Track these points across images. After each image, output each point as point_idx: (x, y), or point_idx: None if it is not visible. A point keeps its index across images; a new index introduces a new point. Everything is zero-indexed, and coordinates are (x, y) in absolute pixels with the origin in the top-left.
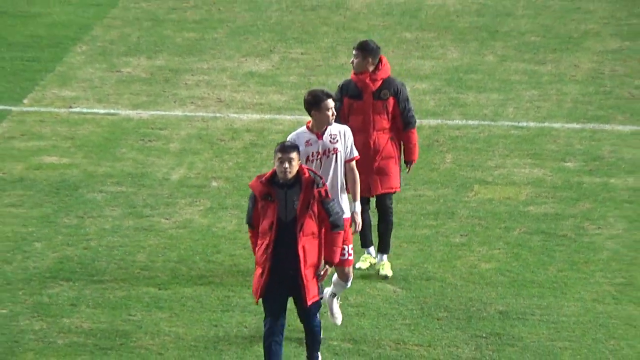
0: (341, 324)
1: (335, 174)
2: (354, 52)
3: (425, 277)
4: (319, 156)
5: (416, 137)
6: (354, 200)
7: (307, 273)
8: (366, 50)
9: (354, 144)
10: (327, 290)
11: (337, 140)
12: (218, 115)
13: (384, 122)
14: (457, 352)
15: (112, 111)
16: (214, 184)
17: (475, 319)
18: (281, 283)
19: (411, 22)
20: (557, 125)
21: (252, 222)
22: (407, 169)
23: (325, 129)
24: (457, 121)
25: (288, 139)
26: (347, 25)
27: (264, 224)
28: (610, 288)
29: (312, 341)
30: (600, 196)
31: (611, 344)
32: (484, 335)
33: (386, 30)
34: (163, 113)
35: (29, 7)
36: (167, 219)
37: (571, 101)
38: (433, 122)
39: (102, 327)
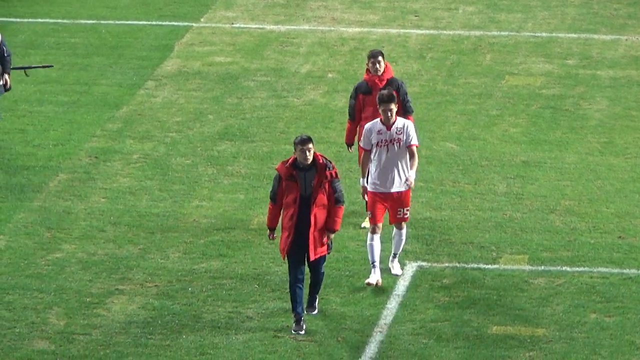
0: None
1: (398, 156)
2: (371, 59)
3: (472, 138)
4: (386, 143)
5: (412, 121)
6: (411, 169)
7: (316, 234)
8: (382, 55)
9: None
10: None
11: (401, 133)
12: (332, 28)
13: None
14: (494, 188)
15: (260, 26)
16: (330, 75)
17: (507, 166)
18: (300, 242)
19: None
20: (561, 35)
21: (276, 198)
22: None
23: (394, 123)
24: (494, 32)
25: (366, 126)
26: None
27: (289, 199)
28: (598, 145)
29: (315, 286)
30: (590, 83)
31: (598, 183)
32: (512, 177)
33: None
34: (295, 27)
35: None
36: (297, 99)
37: (571, 19)
38: (477, 33)
39: (253, 172)
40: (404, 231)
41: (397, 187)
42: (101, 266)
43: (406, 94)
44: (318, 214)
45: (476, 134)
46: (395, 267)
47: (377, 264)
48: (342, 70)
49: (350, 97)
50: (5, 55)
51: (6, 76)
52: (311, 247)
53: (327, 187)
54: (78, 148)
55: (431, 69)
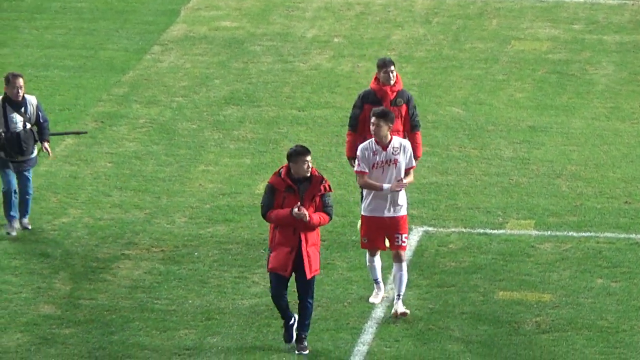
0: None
1: (395, 178)
2: (383, 69)
3: (479, 102)
4: (382, 164)
5: (420, 137)
6: (406, 177)
7: (309, 250)
8: (394, 65)
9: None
10: (395, 299)
11: (398, 153)
12: None
13: (398, 125)
14: (501, 153)
15: None
16: (336, 40)
17: (513, 130)
18: (294, 259)
19: None
20: (567, 0)
21: (270, 213)
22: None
23: (390, 142)
24: None
25: (360, 147)
26: None
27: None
28: (604, 110)
29: (304, 318)
30: (597, 48)
31: (604, 148)
32: (518, 141)
33: None
34: None
35: None
36: (304, 64)
37: None
38: None
39: (260, 137)
40: (404, 265)
41: (393, 212)
42: (107, 231)
43: (415, 107)
44: (308, 229)
45: (482, 99)
46: (400, 308)
47: (379, 279)
48: (348, 35)
49: (354, 106)
50: (42, 121)
51: (46, 144)
52: (306, 264)
53: (317, 200)
54: (84, 113)
55: (437, 34)
